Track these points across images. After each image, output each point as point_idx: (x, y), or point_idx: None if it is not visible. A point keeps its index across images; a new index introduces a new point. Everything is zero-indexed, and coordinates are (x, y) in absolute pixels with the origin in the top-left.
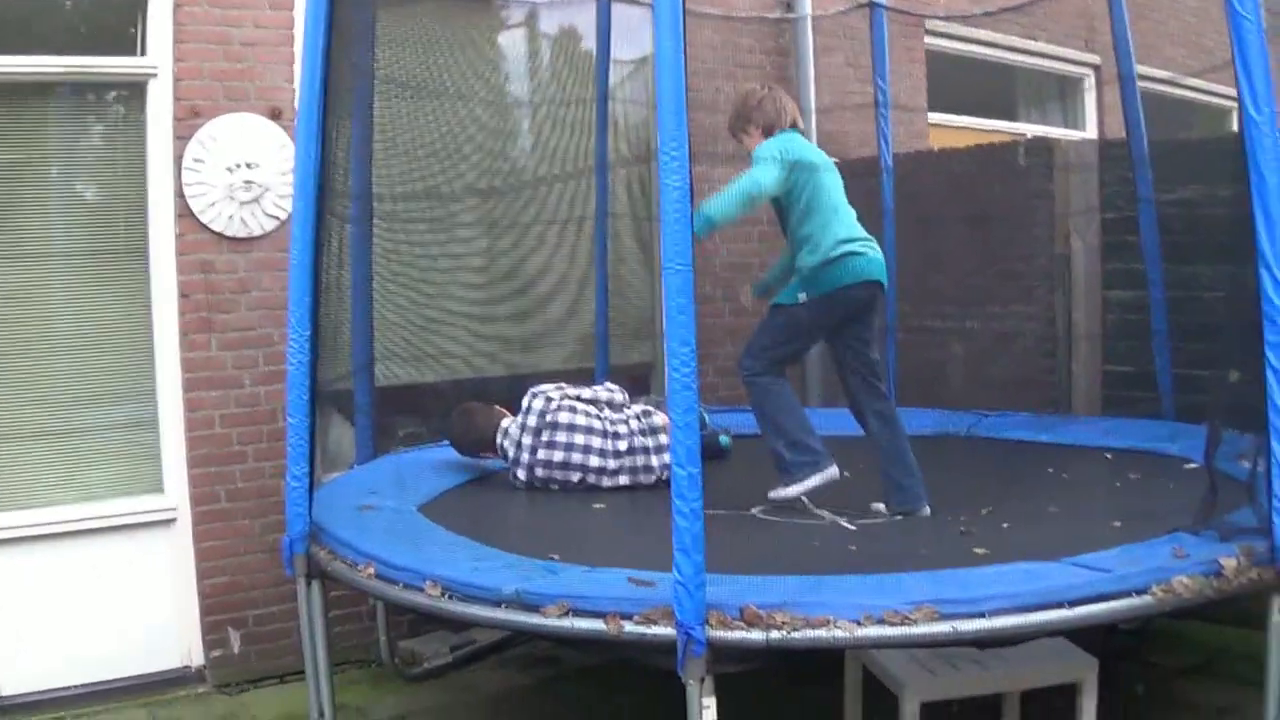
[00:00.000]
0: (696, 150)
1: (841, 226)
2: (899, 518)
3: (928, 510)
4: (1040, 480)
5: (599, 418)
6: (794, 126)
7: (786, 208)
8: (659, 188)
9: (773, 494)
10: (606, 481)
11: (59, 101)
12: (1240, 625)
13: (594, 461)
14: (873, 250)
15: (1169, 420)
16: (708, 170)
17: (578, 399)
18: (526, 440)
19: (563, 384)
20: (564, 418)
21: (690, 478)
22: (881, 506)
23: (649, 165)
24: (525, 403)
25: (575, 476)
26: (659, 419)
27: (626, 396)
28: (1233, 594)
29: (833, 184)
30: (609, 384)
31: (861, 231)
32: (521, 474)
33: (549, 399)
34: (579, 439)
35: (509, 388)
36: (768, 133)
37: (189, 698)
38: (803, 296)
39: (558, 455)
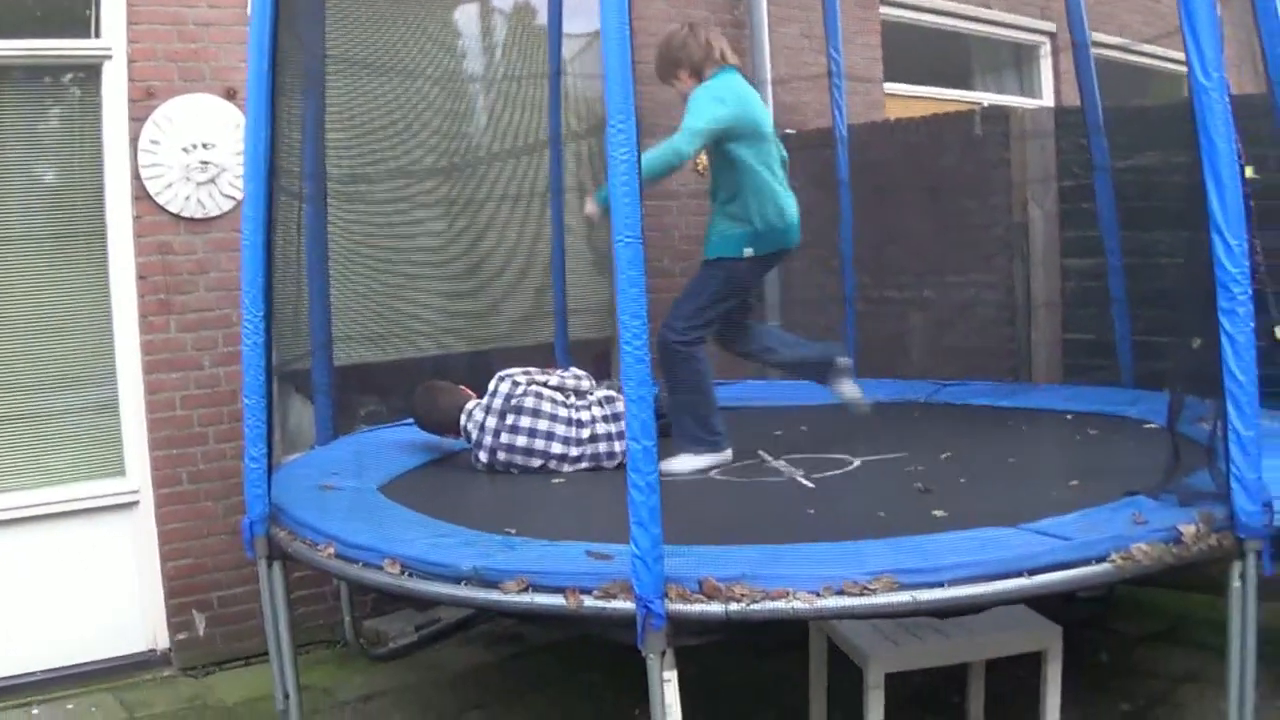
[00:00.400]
0: (648, 123)
1: (782, 179)
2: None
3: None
4: (999, 435)
5: (564, 404)
6: (728, 63)
7: (728, 156)
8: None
9: (667, 465)
10: (568, 468)
11: (13, 85)
12: (1203, 591)
13: (556, 449)
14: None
15: (1129, 388)
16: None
17: (545, 385)
18: (490, 423)
19: (530, 369)
20: (529, 403)
21: (645, 450)
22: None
23: (601, 139)
24: (492, 386)
25: (536, 462)
26: (622, 404)
27: (593, 383)
28: (1192, 560)
29: (772, 149)
30: (576, 370)
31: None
32: (483, 456)
33: (515, 383)
34: (542, 425)
35: (469, 364)
36: (697, 73)
37: (155, 681)
38: (749, 251)
39: (520, 440)
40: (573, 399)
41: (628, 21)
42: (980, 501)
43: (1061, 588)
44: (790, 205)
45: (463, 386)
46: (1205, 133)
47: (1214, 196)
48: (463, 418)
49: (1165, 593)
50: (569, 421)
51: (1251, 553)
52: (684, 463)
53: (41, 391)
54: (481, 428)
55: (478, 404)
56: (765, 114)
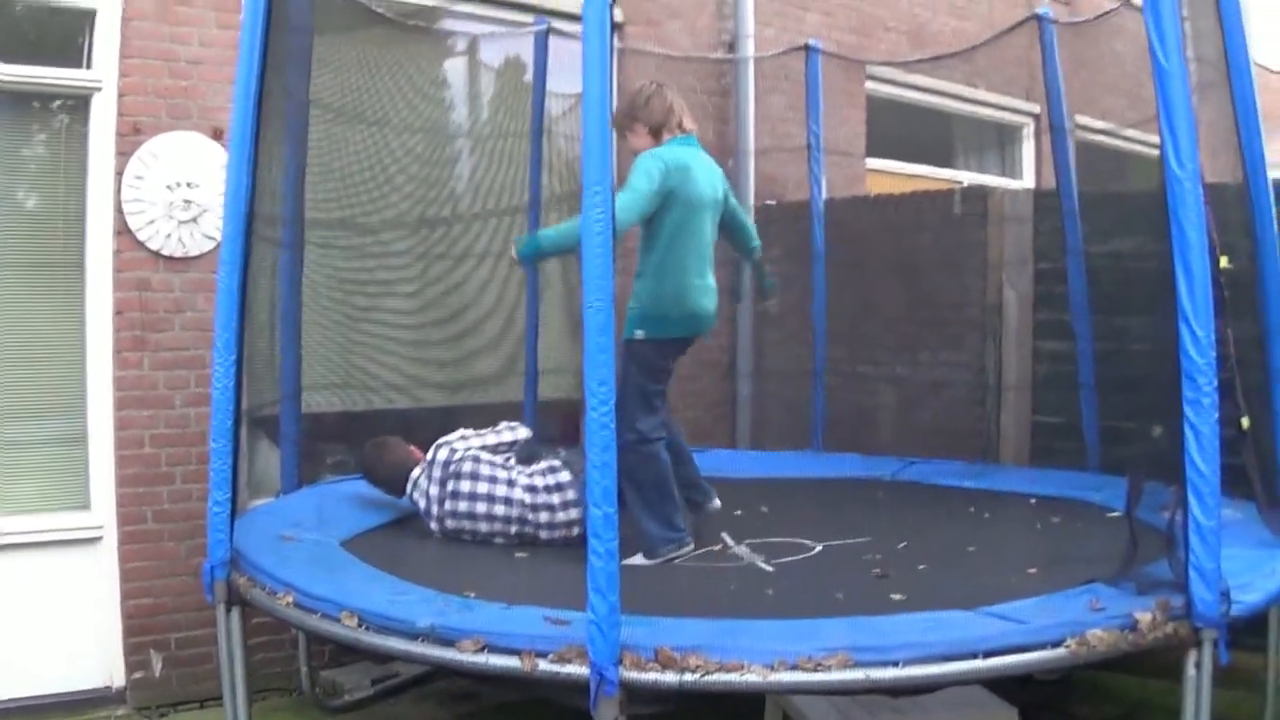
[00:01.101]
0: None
1: (698, 267)
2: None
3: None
4: (961, 520)
5: (504, 467)
6: (686, 131)
7: (652, 227)
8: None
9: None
10: (513, 529)
11: (2, 110)
12: (1161, 677)
13: (499, 510)
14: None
15: (1096, 472)
16: None
17: (482, 448)
18: (434, 491)
19: (466, 431)
20: (467, 468)
21: (606, 517)
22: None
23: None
24: (430, 454)
25: (483, 527)
26: (565, 476)
27: (529, 434)
28: (1148, 648)
29: (703, 222)
30: (510, 423)
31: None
32: (434, 526)
33: (453, 450)
34: (482, 488)
35: (438, 419)
36: (655, 133)
37: (109, 718)
38: (640, 333)
39: (462, 505)
40: (513, 464)
41: (609, 85)
42: (939, 586)
43: (1016, 670)
44: (698, 294)
45: (413, 447)
46: (1177, 222)
47: (1183, 286)
48: (409, 486)
49: (1123, 677)
50: (510, 483)
51: (1207, 642)
52: (640, 563)
53: (11, 420)
54: (426, 496)
55: (422, 472)
56: (712, 189)
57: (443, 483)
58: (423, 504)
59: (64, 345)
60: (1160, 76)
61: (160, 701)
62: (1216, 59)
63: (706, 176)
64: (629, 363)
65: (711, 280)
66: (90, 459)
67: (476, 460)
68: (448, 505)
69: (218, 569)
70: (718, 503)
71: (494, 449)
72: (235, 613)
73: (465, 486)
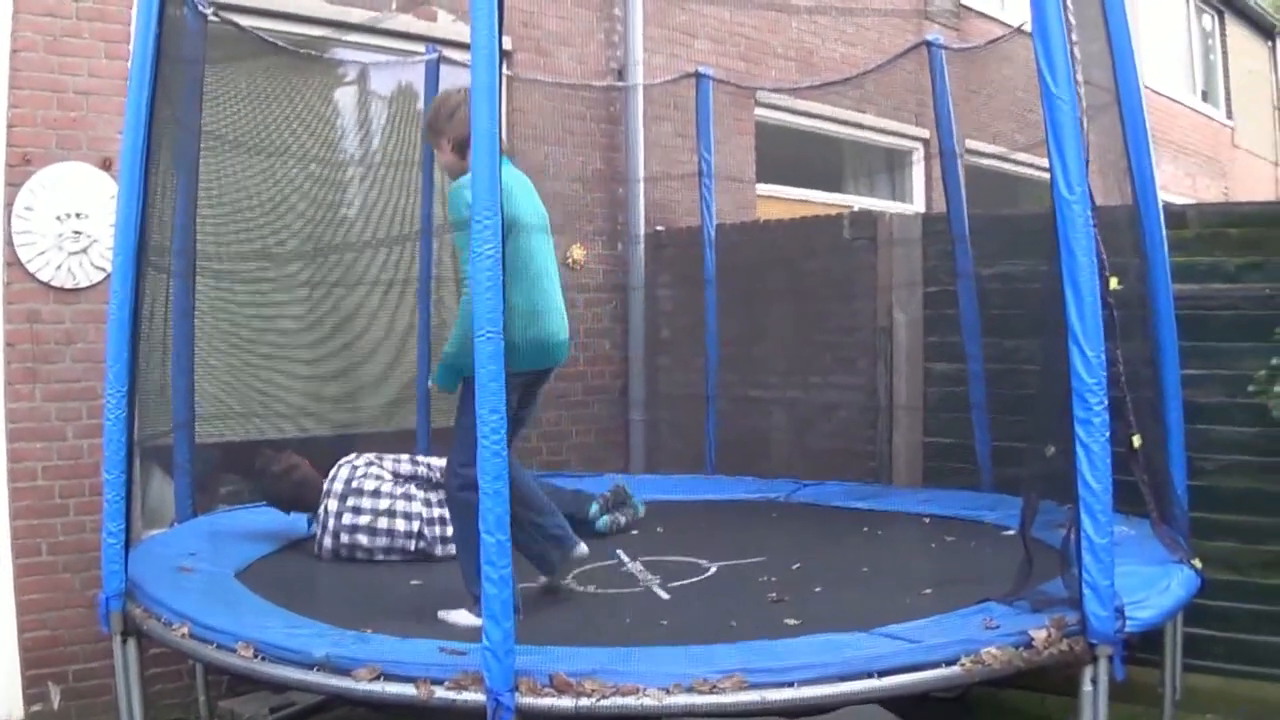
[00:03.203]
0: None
1: (543, 297)
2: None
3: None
4: (855, 541)
5: (405, 481)
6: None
7: None
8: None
9: (446, 615)
10: (414, 545)
11: None
12: (1060, 694)
13: (400, 525)
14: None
15: (988, 492)
16: None
17: (381, 467)
18: (332, 505)
19: (373, 456)
20: (369, 485)
21: (499, 545)
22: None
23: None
24: (332, 472)
25: (381, 542)
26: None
27: (437, 472)
28: (1043, 665)
29: (541, 245)
30: (421, 458)
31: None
32: (327, 541)
33: (354, 467)
34: (383, 504)
35: (333, 447)
36: (460, 150)
37: None
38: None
39: (363, 519)
40: (409, 486)
41: (498, 111)
42: (834, 607)
43: (911, 689)
44: (552, 318)
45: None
46: (1066, 245)
47: (1073, 308)
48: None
49: (1023, 694)
50: (407, 497)
51: (1103, 658)
52: (465, 618)
53: None
54: (325, 511)
55: (325, 488)
56: (536, 207)
57: (343, 497)
58: (321, 518)
59: None
60: (1049, 102)
61: None
62: (1106, 82)
63: (529, 197)
64: (469, 403)
65: (562, 306)
66: None
67: (379, 478)
68: (346, 520)
69: (113, 600)
70: (584, 549)
71: (396, 474)
72: (132, 643)
73: (366, 502)
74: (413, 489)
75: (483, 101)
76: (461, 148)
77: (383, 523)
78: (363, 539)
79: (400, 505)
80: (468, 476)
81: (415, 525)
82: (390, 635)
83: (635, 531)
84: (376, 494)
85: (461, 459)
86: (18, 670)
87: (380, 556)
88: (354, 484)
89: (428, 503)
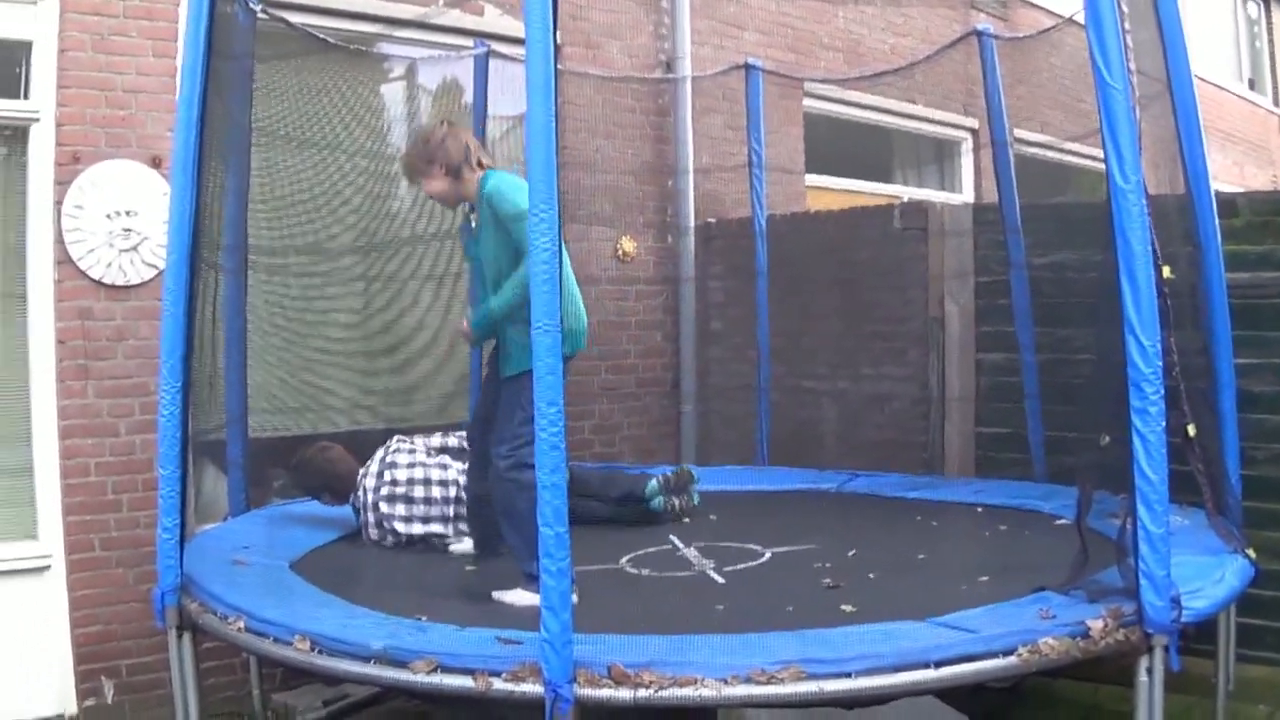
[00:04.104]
0: (573, 208)
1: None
2: None
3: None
4: (908, 529)
5: (437, 464)
6: (485, 166)
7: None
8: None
9: (501, 596)
10: (451, 510)
11: None
12: (1114, 683)
13: (436, 492)
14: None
15: (1041, 482)
16: (584, 229)
17: (413, 443)
18: (370, 483)
19: (403, 435)
20: (403, 459)
21: (557, 537)
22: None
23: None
24: (376, 455)
25: (419, 510)
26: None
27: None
28: (1099, 655)
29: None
30: (453, 432)
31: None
32: (370, 518)
33: (385, 447)
34: (418, 472)
35: (383, 441)
36: (454, 173)
37: None
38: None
39: (400, 490)
40: (443, 456)
41: (553, 110)
42: (889, 595)
43: (968, 680)
44: (582, 305)
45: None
46: (1122, 234)
47: (1129, 297)
48: (352, 494)
49: (1075, 684)
50: (442, 466)
51: (1159, 648)
52: (520, 598)
53: None
54: (363, 489)
55: (363, 472)
56: None
57: (379, 474)
58: (362, 497)
59: (7, 376)
60: (1103, 90)
61: None
62: (1157, 71)
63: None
64: (525, 394)
65: (579, 295)
66: (37, 488)
67: (412, 451)
68: (384, 492)
69: (168, 595)
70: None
71: (429, 447)
72: (186, 638)
73: (402, 474)
74: (447, 459)
75: (538, 95)
76: (456, 171)
77: (419, 491)
78: (401, 509)
79: (435, 474)
80: (520, 457)
81: (452, 491)
82: (447, 623)
83: (688, 520)
84: (411, 465)
85: (513, 442)
86: (71, 665)
87: (419, 527)
88: (387, 460)
89: (463, 471)
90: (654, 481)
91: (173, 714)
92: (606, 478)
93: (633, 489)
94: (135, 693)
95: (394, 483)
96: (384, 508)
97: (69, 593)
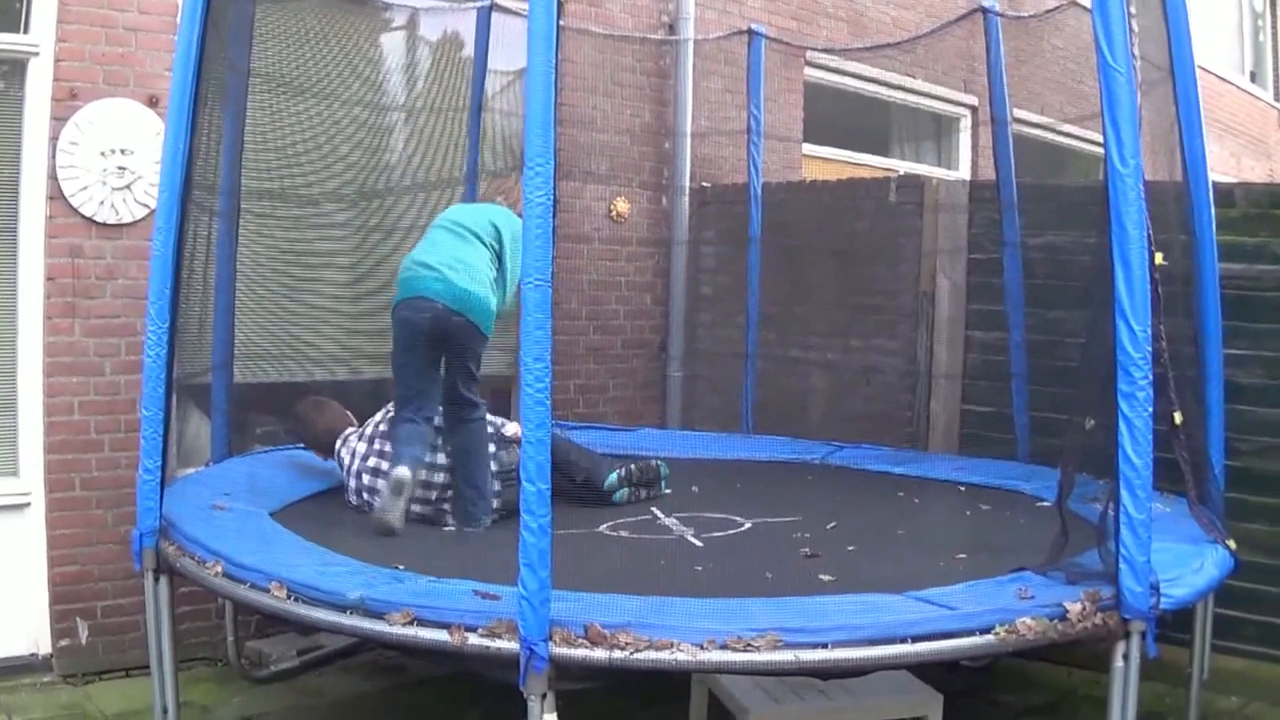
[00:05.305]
0: (569, 166)
1: (419, 248)
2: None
3: (486, 523)
4: (890, 504)
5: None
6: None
7: None
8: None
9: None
10: (429, 496)
11: None
12: (1087, 668)
13: (421, 474)
14: (431, 272)
15: (1025, 462)
16: (579, 188)
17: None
18: (361, 448)
19: None
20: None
21: (539, 494)
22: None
23: (518, 178)
24: (374, 418)
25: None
26: (509, 429)
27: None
28: (1076, 638)
29: (440, 225)
30: None
31: (446, 257)
32: (351, 482)
33: (385, 412)
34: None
35: (371, 392)
36: None
37: (34, 686)
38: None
39: (385, 464)
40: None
41: (554, 61)
42: (868, 568)
43: (944, 656)
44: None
45: (349, 413)
46: (1117, 218)
47: (1121, 281)
48: (338, 443)
49: (1049, 667)
50: (434, 448)
51: (1136, 634)
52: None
53: None
54: (352, 453)
55: (355, 432)
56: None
57: (370, 440)
58: (346, 459)
59: None
60: (1105, 73)
61: (86, 670)
62: (1159, 58)
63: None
64: (479, 349)
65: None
66: (19, 425)
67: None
68: (371, 462)
69: (146, 537)
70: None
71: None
72: (163, 581)
73: (390, 447)
74: (440, 458)
75: (539, 47)
76: None
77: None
78: (380, 483)
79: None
80: (477, 409)
81: (439, 477)
82: (424, 574)
83: (669, 490)
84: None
85: (470, 396)
86: (46, 605)
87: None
88: (381, 428)
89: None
90: (613, 476)
91: (146, 657)
92: (574, 453)
93: (592, 475)
94: (110, 635)
95: (382, 455)
96: (366, 479)
97: (47, 531)
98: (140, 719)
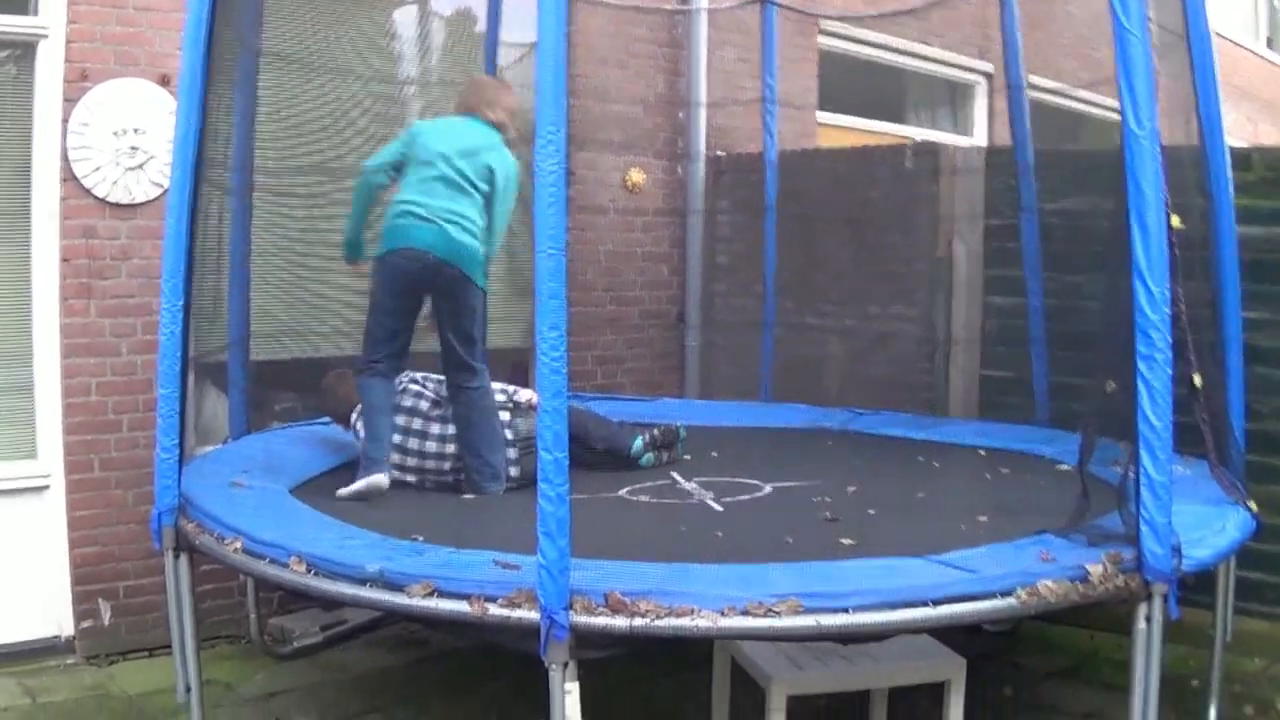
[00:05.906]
0: (582, 136)
1: (411, 191)
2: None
3: (499, 490)
4: (910, 469)
5: (438, 408)
6: (467, 111)
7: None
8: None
9: (342, 492)
10: (447, 465)
11: None
12: (1109, 630)
13: (431, 446)
14: (425, 223)
15: (1044, 426)
16: (594, 159)
17: (424, 388)
18: None
19: (421, 376)
20: (407, 403)
21: (556, 462)
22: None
23: (530, 149)
24: None
25: (412, 462)
26: (522, 395)
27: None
28: (1098, 600)
29: (435, 167)
30: None
31: (441, 209)
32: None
33: (398, 382)
34: (416, 424)
35: None
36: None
37: (58, 668)
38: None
39: (396, 438)
40: (447, 412)
41: (565, 34)
42: (888, 531)
43: (966, 620)
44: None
45: None
46: (1134, 180)
47: (1139, 243)
48: (354, 415)
49: (1071, 630)
50: (443, 420)
51: (1158, 595)
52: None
53: None
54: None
55: None
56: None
57: None
58: (361, 431)
59: (10, 294)
60: (1120, 36)
61: (109, 650)
62: (1174, 24)
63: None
64: (474, 302)
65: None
66: (37, 407)
67: (419, 395)
68: None
69: (165, 515)
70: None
71: (439, 397)
72: (183, 559)
73: (401, 420)
74: (451, 428)
75: (550, 21)
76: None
77: (413, 443)
78: (395, 457)
79: (435, 428)
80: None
81: (450, 448)
82: (443, 546)
83: (689, 456)
84: (412, 412)
85: (478, 353)
86: (68, 586)
87: (412, 479)
88: (392, 400)
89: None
90: (638, 442)
91: (168, 636)
92: (590, 422)
93: (615, 443)
94: (132, 615)
95: (393, 429)
96: None
97: (68, 513)
98: (164, 698)
